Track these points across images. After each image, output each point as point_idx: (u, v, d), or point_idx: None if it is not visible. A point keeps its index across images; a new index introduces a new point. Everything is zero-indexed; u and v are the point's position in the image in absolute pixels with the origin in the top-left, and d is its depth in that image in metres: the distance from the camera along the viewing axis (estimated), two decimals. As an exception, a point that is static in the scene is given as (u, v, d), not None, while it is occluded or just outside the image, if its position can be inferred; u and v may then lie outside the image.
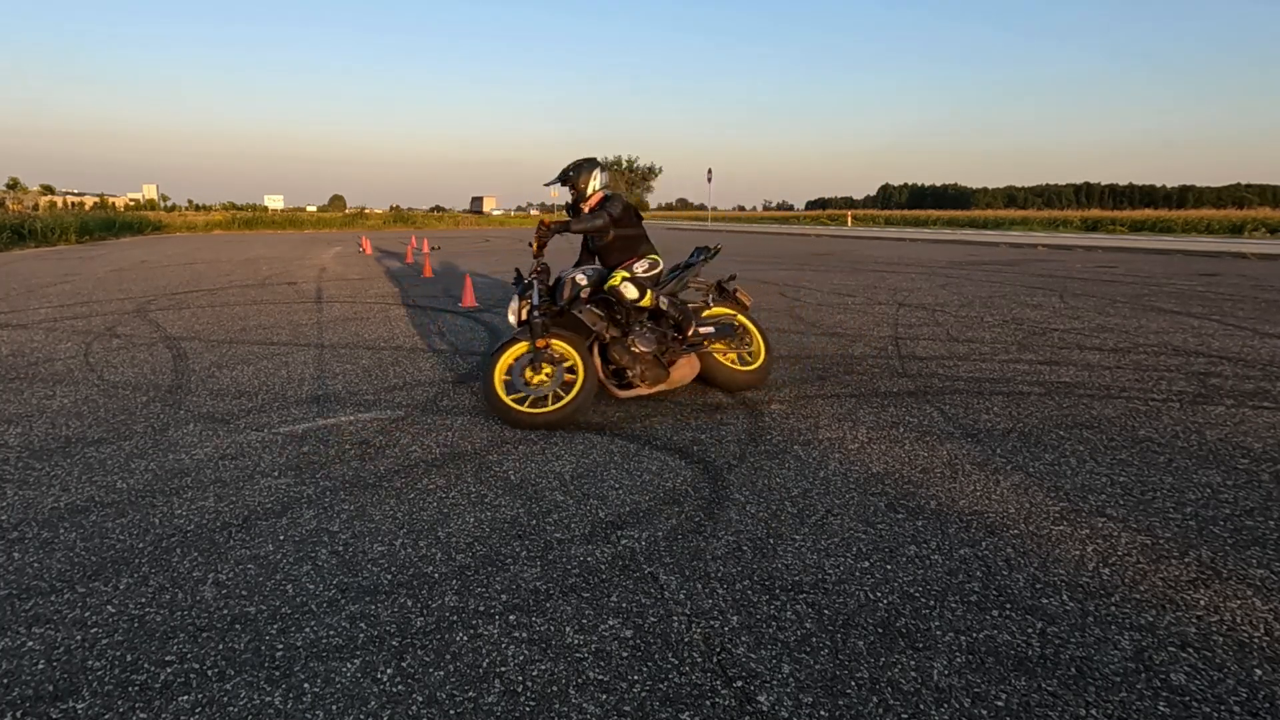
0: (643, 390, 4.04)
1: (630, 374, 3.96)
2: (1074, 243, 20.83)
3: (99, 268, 12.84)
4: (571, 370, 3.81)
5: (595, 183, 4.13)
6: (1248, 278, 11.09)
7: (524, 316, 3.86)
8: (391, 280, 10.93)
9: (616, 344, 3.97)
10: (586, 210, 4.16)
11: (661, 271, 4.22)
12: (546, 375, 3.79)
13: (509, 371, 3.83)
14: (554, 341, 3.83)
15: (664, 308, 4.11)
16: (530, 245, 4.19)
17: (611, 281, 3.99)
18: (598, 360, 3.99)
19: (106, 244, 21.00)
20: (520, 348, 3.85)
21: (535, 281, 3.90)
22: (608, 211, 4.01)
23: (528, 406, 3.71)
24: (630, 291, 3.94)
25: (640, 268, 4.07)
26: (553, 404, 3.72)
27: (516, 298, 3.97)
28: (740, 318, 4.49)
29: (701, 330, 4.27)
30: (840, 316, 7.32)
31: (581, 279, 4.05)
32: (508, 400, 3.72)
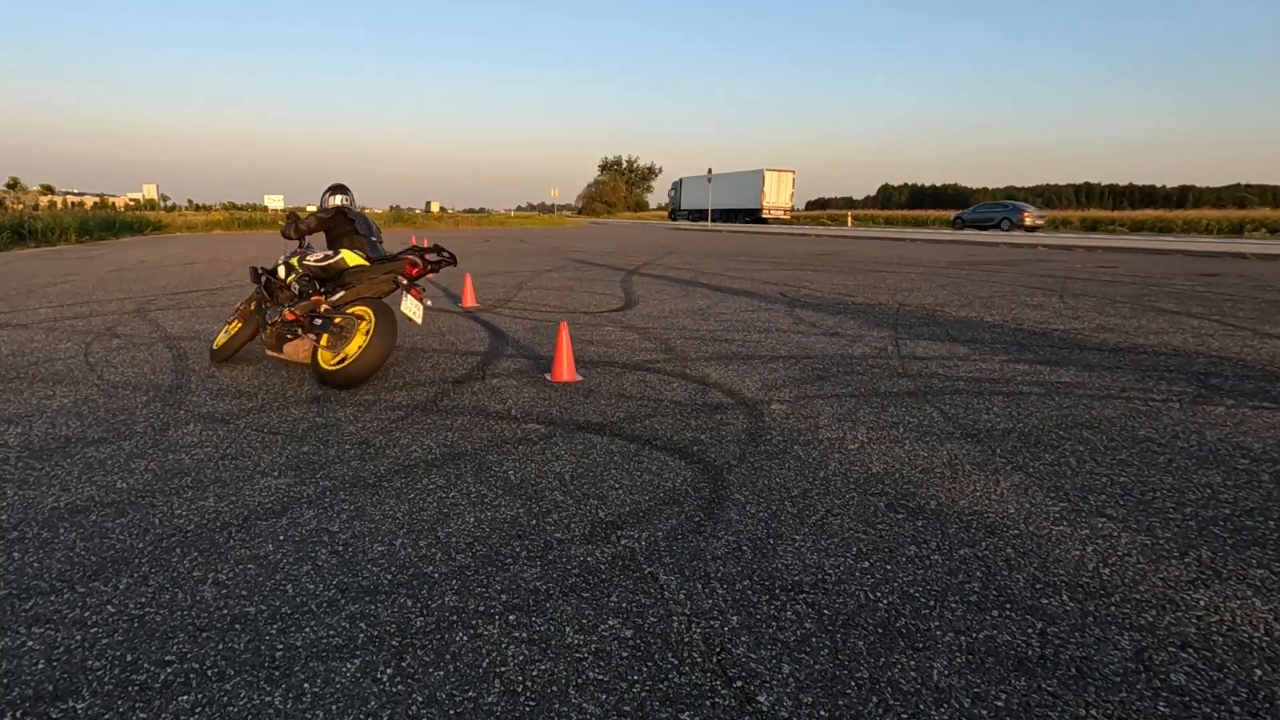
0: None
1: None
2: (1074, 243, 20.82)
3: (99, 267, 12.84)
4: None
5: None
6: (1248, 278, 11.09)
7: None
8: (391, 280, 10.91)
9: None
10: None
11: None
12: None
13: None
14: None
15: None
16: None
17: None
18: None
19: (106, 244, 21.00)
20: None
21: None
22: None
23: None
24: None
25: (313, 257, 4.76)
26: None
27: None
28: (362, 315, 4.45)
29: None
30: (840, 316, 7.32)
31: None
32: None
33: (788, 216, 44.42)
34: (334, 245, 4.95)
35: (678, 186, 57.06)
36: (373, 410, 3.98)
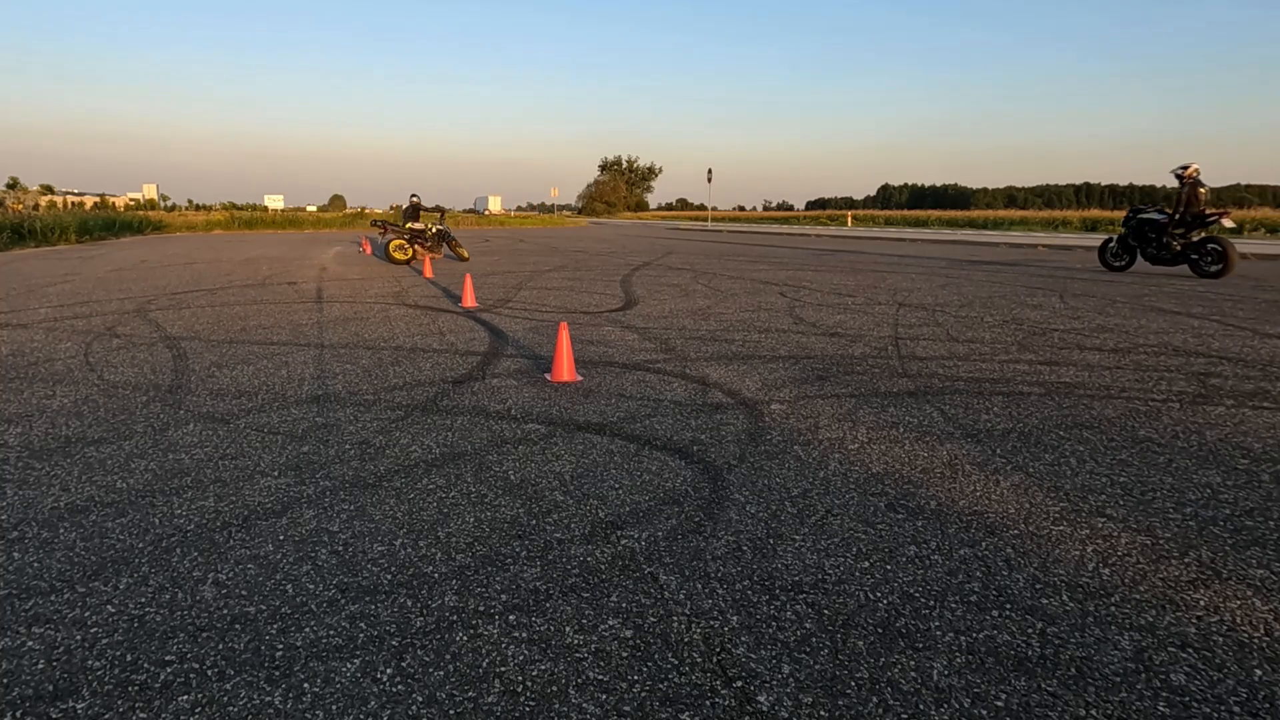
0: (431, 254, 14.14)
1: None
2: (1074, 243, 20.82)
3: (99, 267, 12.84)
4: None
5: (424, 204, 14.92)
6: (1247, 278, 11.09)
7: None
8: (392, 280, 10.93)
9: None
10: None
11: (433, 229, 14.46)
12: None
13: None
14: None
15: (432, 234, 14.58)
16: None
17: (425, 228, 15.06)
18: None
19: (106, 244, 21.00)
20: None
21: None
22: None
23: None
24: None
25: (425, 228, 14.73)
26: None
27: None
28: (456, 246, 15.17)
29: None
30: (840, 317, 7.32)
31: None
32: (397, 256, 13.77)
33: (500, 213, 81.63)
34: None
35: (476, 201, 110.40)
36: (373, 410, 3.98)
